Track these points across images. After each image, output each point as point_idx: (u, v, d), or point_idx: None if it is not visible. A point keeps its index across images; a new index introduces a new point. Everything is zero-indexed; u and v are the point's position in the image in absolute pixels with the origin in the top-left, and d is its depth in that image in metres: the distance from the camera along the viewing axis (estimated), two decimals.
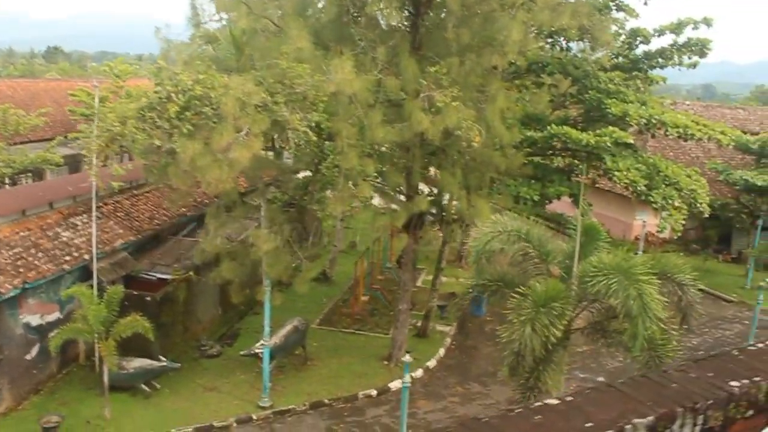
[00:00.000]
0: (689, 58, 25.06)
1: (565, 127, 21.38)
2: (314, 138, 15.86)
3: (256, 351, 23.85)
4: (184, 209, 30.64)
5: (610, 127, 21.36)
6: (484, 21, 18.72)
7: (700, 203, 23.79)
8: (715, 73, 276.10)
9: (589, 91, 23.33)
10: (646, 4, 25.32)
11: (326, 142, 19.10)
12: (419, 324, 28.76)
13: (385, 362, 26.33)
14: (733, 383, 3.51)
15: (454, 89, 18.10)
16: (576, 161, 24.79)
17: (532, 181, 23.79)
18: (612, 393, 3.21)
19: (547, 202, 24.32)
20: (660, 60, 24.91)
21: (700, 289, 37.84)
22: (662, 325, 13.57)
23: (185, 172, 14.89)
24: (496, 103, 18.89)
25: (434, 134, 17.23)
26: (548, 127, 21.60)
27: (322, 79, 15.79)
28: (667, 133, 21.94)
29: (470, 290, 16.03)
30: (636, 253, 42.15)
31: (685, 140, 24.16)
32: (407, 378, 17.85)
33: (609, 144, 20.70)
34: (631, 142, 21.40)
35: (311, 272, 20.96)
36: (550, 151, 24.96)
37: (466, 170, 20.71)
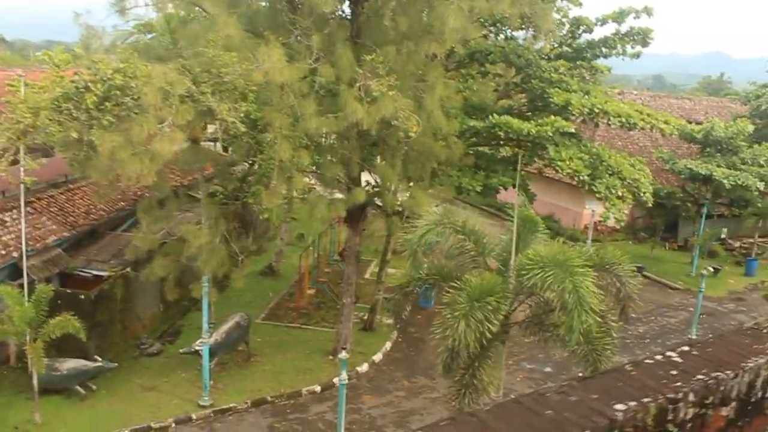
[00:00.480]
0: (632, 47, 24.97)
1: (506, 117, 21.09)
2: (243, 129, 15.21)
3: (196, 348, 23.19)
4: (123, 203, 29.72)
5: (552, 117, 21.13)
6: (422, 8, 18.24)
7: (644, 192, 23.76)
8: (665, 64, 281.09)
9: (532, 81, 23.07)
10: None
11: (262, 134, 18.46)
12: (366, 317, 28.33)
13: (330, 357, 25.86)
14: (618, 407, 3.07)
15: (392, 78, 17.60)
16: (522, 151, 24.53)
17: (477, 172, 23.49)
18: (471, 425, 2.75)
19: (495, 192, 23.98)
20: (604, 49, 24.77)
21: (646, 276, 38.81)
22: (599, 319, 13.28)
23: (106, 165, 14.13)
24: (435, 92, 18.46)
25: (369, 124, 16.73)
26: (490, 117, 21.28)
27: (250, 67, 15.14)
28: (610, 122, 21.81)
29: (406, 285, 15.62)
30: (585, 242, 42.59)
31: (630, 129, 24.08)
32: (344, 375, 17.39)
33: (550, 133, 20.46)
34: (573, 131, 21.20)
35: (249, 267, 20.31)
36: (495, 141, 24.66)
37: (407, 160, 20.27)
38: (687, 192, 41.32)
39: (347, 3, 19.30)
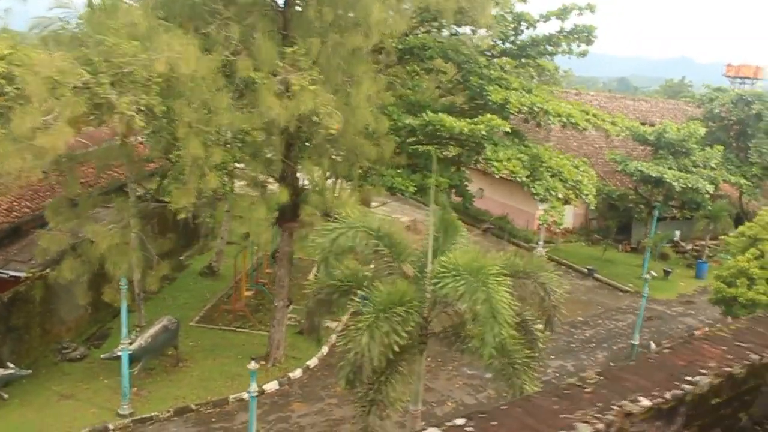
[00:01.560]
0: (578, 45, 24.28)
1: (440, 115, 20.23)
2: (141, 123, 14.12)
3: (118, 354, 22.01)
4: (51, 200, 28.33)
5: (489, 115, 20.32)
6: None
7: (586, 194, 23.10)
8: (630, 67, 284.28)
9: (471, 77, 22.25)
10: None
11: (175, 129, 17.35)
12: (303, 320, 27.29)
13: (263, 362, 24.79)
14: None
15: (314, 72, 16.64)
16: (462, 150, 23.76)
17: (415, 171, 22.63)
18: None
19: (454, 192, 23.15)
20: (549, 47, 24.05)
21: (597, 279, 38.34)
22: (514, 332, 12.43)
23: None
24: (362, 88, 17.51)
25: (286, 119, 15.74)
26: (424, 114, 20.41)
27: (153, 57, 14.05)
28: (549, 121, 21.07)
29: (318, 291, 14.66)
30: (537, 244, 42.04)
31: (575, 129, 23.35)
32: (253, 387, 16.39)
33: (484, 132, 19.65)
34: (509, 130, 20.41)
35: (164, 269, 19.20)
36: (436, 140, 23.80)
37: (335, 159, 19.32)
38: (639, 194, 40.98)
39: None
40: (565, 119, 21.21)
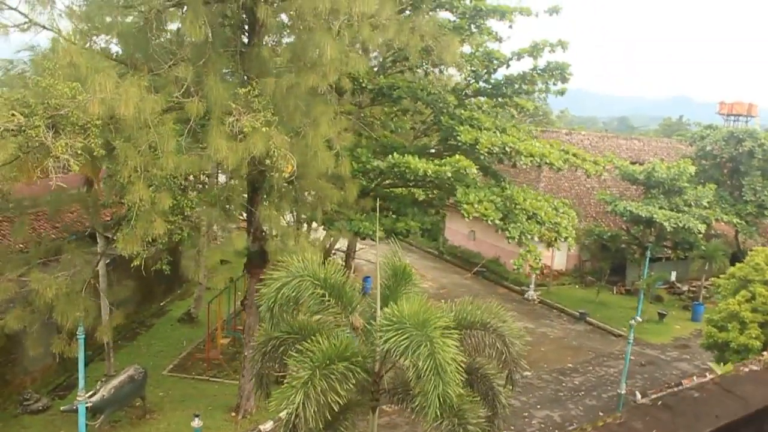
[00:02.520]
0: (554, 84, 23.69)
1: (406, 156, 19.55)
2: (76, 167, 13.42)
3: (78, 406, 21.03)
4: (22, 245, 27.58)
5: (457, 156, 19.63)
6: (303, 38, 16.71)
7: (565, 237, 22.26)
8: (630, 107, 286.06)
9: (442, 117, 21.63)
10: (510, 26, 24.03)
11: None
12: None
13: (233, 414, 23.83)
14: None
15: (268, 113, 15.99)
16: (438, 192, 23.02)
17: (387, 215, 21.88)
18: None
19: (403, 236, 22.29)
20: (524, 86, 23.45)
21: (589, 323, 37.22)
22: (461, 390, 11.46)
23: None
24: (320, 130, 16.83)
25: (234, 162, 15.03)
26: (390, 156, 19.74)
27: (88, 98, 13.39)
28: (521, 161, 20.35)
29: (264, 344, 13.76)
30: (528, 287, 41.06)
31: (555, 170, 22.62)
32: None
33: (450, 174, 18.94)
34: (474, 171, 19.66)
35: (118, 318, 18.37)
36: (407, 183, 23.11)
37: (297, 203, 18.58)
38: (631, 234, 40.08)
39: (222, 30, 17.69)
40: (538, 159, 20.50)
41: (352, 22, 16.16)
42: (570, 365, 31.39)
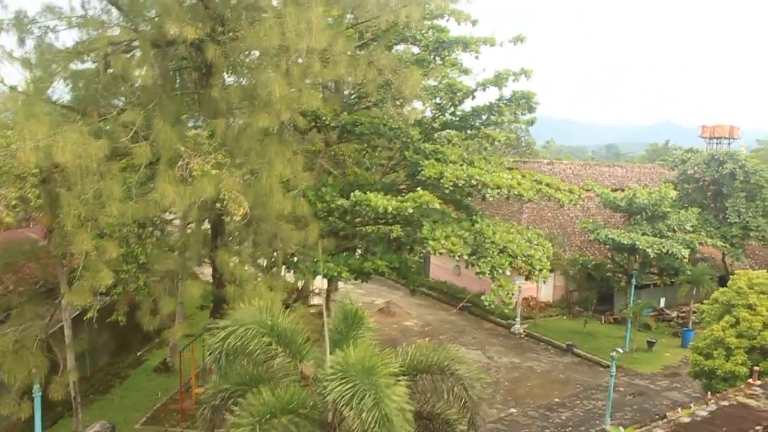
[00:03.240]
0: (522, 113, 23.30)
1: (367, 194, 19.03)
2: (10, 218, 12.87)
3: None
4: None
5: (420, 191, 19.13)
6: (252, 77, 16.30)
7: (539, 269, 21.68)
8: (618, 134, 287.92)
9: (406, 152, 21.18)
10: (477, 57, 23.72)
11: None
12: None
13: None
14: None
15: (219, 155, 15.50)
16: (409, 229, 22.48)
17: (351, 255, 21.31)
18: None
19: (367, 276, 21.67)
20: (492, 116, 23.04)
21: (576, 354, 36.39)
22: None
23: None
24: (274, 170, 16.32)
25: (181, 207, 14.48)
26: (352, 194, 19.21)
27: (24, 146, 12.88)
28: (489, 194, 19.84)
29: (212, 397, 13.07)
30: (514, 320, 40.30)
31: (525, 201, 22.12)
32: None
33: (411, 210, 18.42)
34: (437, 206, 19.10)
35: (73, 375, 17.62)
36: (382, 220, 22.55)
37: (257, 246, 18.00)
38: (616, 262, 39.49)
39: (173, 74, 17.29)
40: (506, 191, 19.99)
41: (302, 58, 15.74)
42: (557, 400, 30.55)
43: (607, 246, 37.49)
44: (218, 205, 15.16)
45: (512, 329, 40.15)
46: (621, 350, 26.99)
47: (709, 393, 26.53)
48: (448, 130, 25.50)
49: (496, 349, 37.07)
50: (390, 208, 18.28)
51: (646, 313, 41.45)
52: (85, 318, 16.25)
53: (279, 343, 12.40)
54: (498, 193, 19.87)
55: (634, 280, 37.12)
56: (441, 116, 23.27)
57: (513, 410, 29.23)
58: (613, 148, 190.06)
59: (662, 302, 44.81)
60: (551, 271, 42.96)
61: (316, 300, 40.62)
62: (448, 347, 13.14)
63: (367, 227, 23.68)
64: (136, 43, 17.22)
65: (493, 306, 22.14)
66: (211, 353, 12.58)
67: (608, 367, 35.52)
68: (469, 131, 24.78)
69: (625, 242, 34.68)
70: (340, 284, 46.67)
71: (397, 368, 11.17)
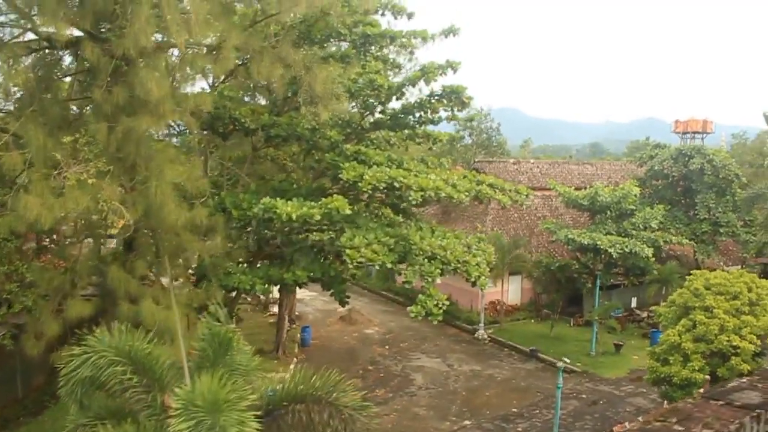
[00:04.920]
0: (458, 110, 21.95)
1: (275, 200, 17.64)
2: None
3: None
4: None
5: (335, 196, 17.78)
6: (131, 78, 14.86)
7: (477, 276, 20.35)
8: (602, 132, 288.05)
9: (326, 154, 19.84)
10: (411, 53, 22.36)
11: None
12: None
13: None
14: None
15: (99, 162, 14.09)
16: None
17: (273, 265, 19.93)
18: None
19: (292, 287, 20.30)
20: (424, 113, 21.69)
21: (541, 360, 35.01)
22: None
23: None
24: (165, 177, 14.90)
25: (50, 221, 13.06)
26: (262, 202, 17.82)
27: None
28: (411, 197, 18.47)
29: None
30: (478, 325, 38.95)
31: (455, 204, 20.81)
32: None
33: (319, 216, 17.06)
34: (348, 212, 17.67)
35: None
36: (305, 228, 21.18)
37: (158, 259, 16.57)
38: (582, 263, 38.14)
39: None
40: (432, 193, 18.64)
41: (185, 55, 14.35)
42: (515, 410, 29.18)
43: (570, 246, 36.21)
44: (95, 216, 13.73)
45: (476, 335, 38.81)
46: (567, 360, 25.54)
47: (666, 402, 25.29)
48: (386, 131, 24.14)
49: (458, 357, 35.70)
50: (294, 216, 16.91)
51: (616, 314, 40.23)
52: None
53: (136, 372, 10.97)
54: (422, 196, 18.52)
55: (598, 281, 35.80)
56: (370, 116, 21.93)
57: (467, 422, 27.85)
58: (597, 146, 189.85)
59: (634, 302, 43.61)
60: (516, 273, 42.21)
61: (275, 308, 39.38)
62: (328, 373, 11.73)
63: (300, 235, 22.31)
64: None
65: (420, 318, 20.70)
66: (63, 384, 11.16)
67: (573, 372, 34.30)
68: (406, 131, 23.46)
69: (585, 242, 33.38)
70: (306, 292, 45.44)
71: (254, 400, 9.77)
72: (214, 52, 15.04)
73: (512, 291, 43.10)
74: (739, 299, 24.11)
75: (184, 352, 11.13)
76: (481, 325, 38.77)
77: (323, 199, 18.84)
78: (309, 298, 46.72)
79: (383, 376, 32.90)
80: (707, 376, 22.15)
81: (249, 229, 20.48)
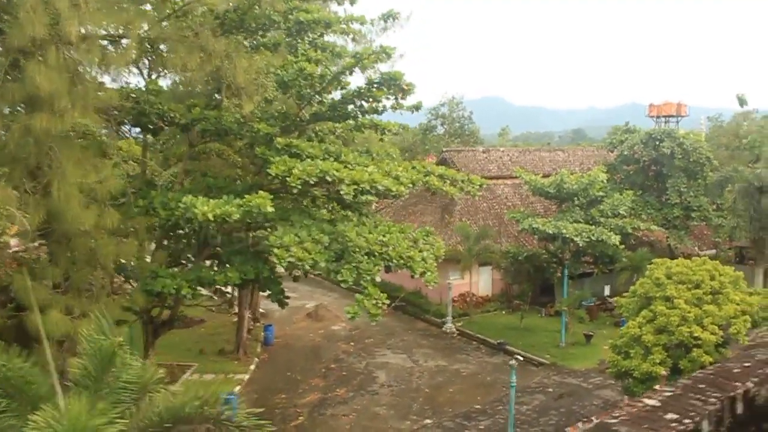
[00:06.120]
0: (401, 98, 20.92)
1: (198, 199, 16.59)
2: None
3: None
4: None
5: (261, 192, 16.75)
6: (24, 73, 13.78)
7: (421, 272, 19.41)
8: (585, 119, 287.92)
9: (257, 148, 18.83)
10: (354, 39, 21.34)
11: None
12: None
13: None
14: None
15: None
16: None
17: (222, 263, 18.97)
18: None
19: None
20: (365, 102, 20.67)
21: (508, 353, 34.14)
22: None
23: None
24: (67, 178, 13.86)
25: None
26: (182, 200, 16.78)
27: None
28: (344, 191, 17.46)
29: None
30: (446, 318, 38.05)
31: (395, 197, 19.83)
32: None
33: (238, 215, 16.06)
34: (270, 209, 16.62)
35: None
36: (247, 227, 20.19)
37: (71, 267, 15.53)
38: (550, 252, 37.27)
39: None
40: (367, 186, 17.64)
41: (79, 46, 13.27)
42: (478, 406, 28.32)
43: (536, 236, 35.37)
44: None
45: (444, 328, 37.92)
46: (521, 357, 24.72)
47: (626, 397, 24.50)
48: (331, 123, 23.11)
49: (424, 352, 34.80)
50: (211, 215, 15.88)
51: (588, 303, 39.45)
52: None
53: (7, 395, 9.96)
54: (354, 190, 17.51)
55: (566, 271, 34.98)
56: (309, 106, 20.88)
57: (428, 421, 26.98)
58: (580, 132, 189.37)
59: (607, 290, 42.82)
60: (486, 264, 41.32)
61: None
62: (213, 386, 10.72)
63: (240, 234, 21.32)
64: None
65: (357, 319, 19.71)
66: None
67: (542, 364, 33.49)
68: (350, 121, 22.45)
69: (550, 231, 32.49)
70: None
71: (122, 426, 8.77)
72: (116, 43, 13.98)
73: (483, 282, 42.28)
74: (701, 288, 23.32)
75: (55, 377, 10.10)
76: (449, 318, 37.90)
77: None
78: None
79: (346, 374, 31.98)
80: (664, 372, 21.31)
81: (180, 231, 19.50)
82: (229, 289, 35.31)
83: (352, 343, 36.34)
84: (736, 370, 4.22)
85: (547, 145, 76.45)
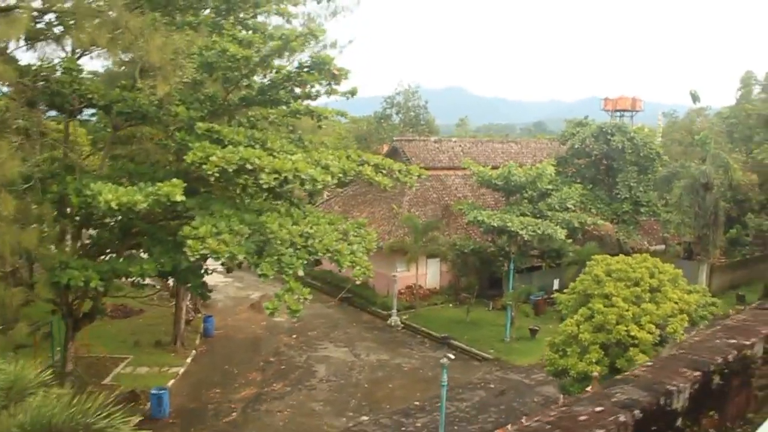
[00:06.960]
0: (334, 83, 20.02)
1: (107, 185, 15.54)
2: None
3: None
4: None
5: (172, 181, 15.73)
6: None
7: (351, 265, 18.58)
8: (547, 111, 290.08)
9: (177, 134, 17.80)
10: (288, 21, 20.32)
11: None
12: None
13: None
14: None
15: None
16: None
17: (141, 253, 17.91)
18: None
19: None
20: (296, 87, 19.73)
21: (452, 347, 33.56)
22: None
23: None
24: None
25: None
26: (89, 187, 15.70)
27: None
28: (263, 180, 16.51)
29: None
30: (392, 311, 37.34)
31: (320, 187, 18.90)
32: None
33: (145, 205, 15.06)
34: (178, 199, 15.65)
35: None
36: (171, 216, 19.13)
37: None
38: (497, 246, 36.72)
39: None
40: (289, 175, 16.71)
41: None
42: (417, 403, 27.64)
43: (482, 228, 34.78)
44: None
45: (389, 321, 37.22)
46: (451, 356, 24.05)
47: (562, 396, 24.02)
48: (263, 108, 22.10)
49: (366, 345, 34.05)
50: (115, 204, 14.87)
51: (536, 297, 39.07)
52: None
53: None
54: (275, 179, 16.58)
55: (512, 264, 34.48)
56: (237, 90, 19.87)
57: (365, 418, 26.22)
58: (541, 125, 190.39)
59: (556, 284, 42.46)
60: (434, 257, 40.66)
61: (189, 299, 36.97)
62: (96, 397, 9.74)
63: (161, 222, 20.25)
64: None
65: (276, 315, 18.78)
66: None
67: (485, 359, 32.96)
68: (284, 107, 21.48)
69: (495, 224, 31.91)
70: (219, 278, 43.16)
71: None
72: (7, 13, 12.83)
73: (431, 274, 41.64)
74: (639, 286, 22.88)
75: None
76: (394, 311, 37.20)
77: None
78: (222, 285, 44.43)
79: (285, 368, 31.10)
80: (596, 374, 20.85)
81: (107, 220, 18.41)
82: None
83: (294, 336, 35.45)
84: (582, 418, 3.49)
85: (505, 137, 75.83)
